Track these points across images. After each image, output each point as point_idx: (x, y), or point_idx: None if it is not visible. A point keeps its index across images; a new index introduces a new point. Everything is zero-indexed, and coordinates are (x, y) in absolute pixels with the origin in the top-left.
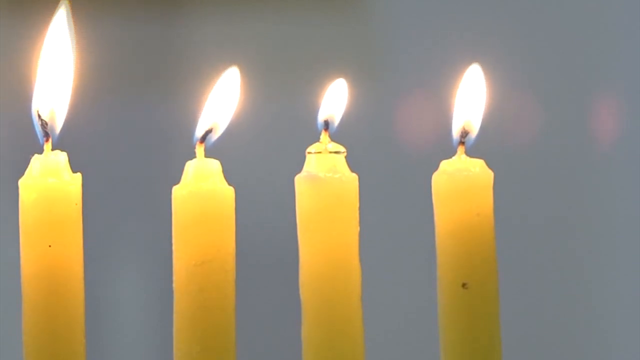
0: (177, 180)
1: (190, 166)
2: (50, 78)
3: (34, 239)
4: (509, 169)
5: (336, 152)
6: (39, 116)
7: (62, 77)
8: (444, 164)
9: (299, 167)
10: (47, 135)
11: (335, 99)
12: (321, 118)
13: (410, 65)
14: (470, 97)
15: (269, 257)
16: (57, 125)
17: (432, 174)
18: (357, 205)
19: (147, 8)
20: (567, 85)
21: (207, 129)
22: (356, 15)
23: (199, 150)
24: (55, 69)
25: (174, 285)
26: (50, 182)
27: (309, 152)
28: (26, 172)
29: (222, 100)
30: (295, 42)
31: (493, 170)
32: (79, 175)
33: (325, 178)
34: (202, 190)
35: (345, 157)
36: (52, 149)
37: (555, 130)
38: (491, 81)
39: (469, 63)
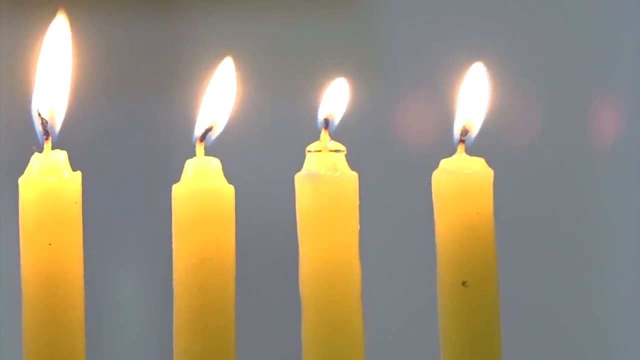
0: (177, 178)
1: (190, 165)
2: (49, 77)
3: (33, 238)
4: (509, 168)
5: (336, 151)
6: (39, 115)
7: (62, 76)
8: (444, 163)
9: (299, 165)
10: (47, 134)
11: (335, 98)
12: (321, 117)
13: (410, 64)
14: (472, 96)
15: (269, 256)
16: (57, 124)
17: (432, 172)
18: (357, 203)
19: (146, 7)
20: (568, 85)
21: (206, 127)
22: (356, 14)
23: (199, 148)
24: (54, 68)
25: (174, 283)
26: (50, 181)
27: (308, 151)
28: (26, 171)
29: (220, 95)
30: (296, 40)
31: (493, 169)
32: (78, 173)
33: (325, 176)
34: (202, 188)
35: (345, 155)
36: (52, 148)
37: (555, 129)
38: (491, 80)
39: (469, 62)
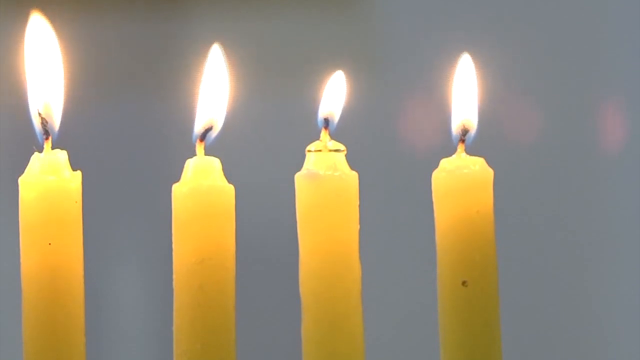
0: (177, 178)
1: (190, 164)
2: (49, 76)
3: (34, 237)
4: (509, 167)
5: (336, 151)
6: (39, 114)
7: (61, 76)
8: (444, 162)
9: (299, 165)
10: (47, 133)
11: (334, 96)
12: (321, 116)
13: (410, 63)
14: (468, 95)
15: (269, 255)
16: (57, 123)
17: (432, 171)
18: (357, 203)
19: (147, 7)
20: (567, 84)
21: (206, 126)
22: (356, 12)
23: (199, 148)
24: (54, 67)
25: (174, 282)
26: (50, 180)
27: (308, 151)
28: (26, 170)
29: (218, 94)
30: (295, 40)
31: (493, 169)
32: (79, 173)
33: (325, 176)
34: (202, 187)
35: (345, 155)
36: (52, 147)
37: (555, 128)
38: (491, 79)
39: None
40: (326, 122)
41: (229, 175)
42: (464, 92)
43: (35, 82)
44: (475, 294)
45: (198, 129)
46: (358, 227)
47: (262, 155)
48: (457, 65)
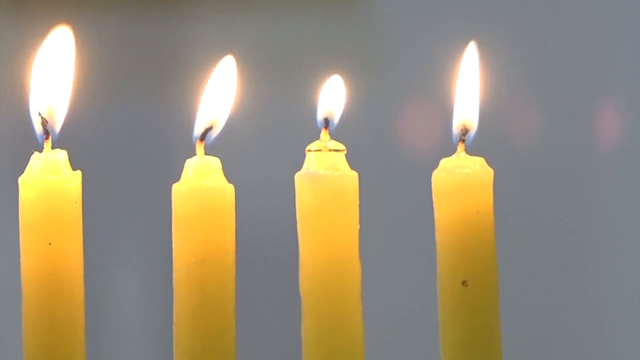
0: (177, 178)
1: (190, 164)
2: (49, 77)
3: (33, 237)
4: (509, 167)
5: (336, 150)
6: (39, 114)
7: (62, 76)
8: (444, 162)
9: (299, 165)
10: (47, 133)
11: (334, 96)
12: (321, 116)
13: (410, 63)
14: (469, 94)
15: (269, 255)
16: (57, 123)
17: (432, 171)
18: (357, 202)
19: (146, 7)
20: (568, 85)
21: (206, 126)
22: (356, 12)
23: (199, 148)
24: (54, 67)
25: (174, 282)
26: (50, 180)
27: (308, 150)
28: (26, 170)
29: (220, 93)
30: (296, 40)
31: (493, 168)
32: (78, 172)
33: (325, 175)
34: (202, 187)
35: (345, 155)
36: (52, 147)
37: (555, 128)
38: (492, 80)
39: (469, 60)
40: (326, 122)
41: (229, 175)
42: (465, 91)
43: (36, 82)
44: (475, 294)
45: (198, 129)
46: (358, 227)
47: (262, 155)
48: (459, 62)
